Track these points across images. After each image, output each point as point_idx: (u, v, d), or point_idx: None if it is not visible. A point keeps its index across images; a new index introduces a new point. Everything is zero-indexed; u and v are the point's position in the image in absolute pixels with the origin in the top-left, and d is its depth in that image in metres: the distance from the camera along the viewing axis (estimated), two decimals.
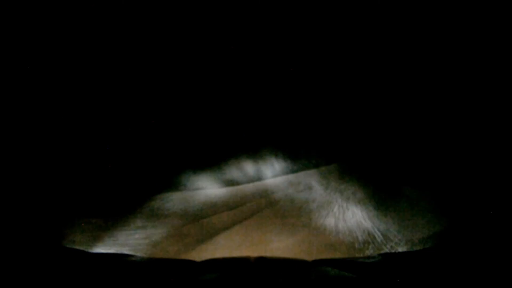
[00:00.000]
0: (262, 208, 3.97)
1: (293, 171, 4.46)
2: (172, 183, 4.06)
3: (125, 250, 3.16)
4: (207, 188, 4.16)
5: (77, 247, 3.04)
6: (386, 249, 3.30)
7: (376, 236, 3.49)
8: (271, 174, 4.37)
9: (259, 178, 4.33)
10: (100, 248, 3.14)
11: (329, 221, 3.73)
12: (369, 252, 3.31)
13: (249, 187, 4.25)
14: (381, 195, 4.04)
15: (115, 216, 3.60)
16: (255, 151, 4.40)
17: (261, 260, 2.18)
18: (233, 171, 4.29)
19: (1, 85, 3.67)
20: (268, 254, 3.18)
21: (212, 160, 4.23)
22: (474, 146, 3.93)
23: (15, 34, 3.92)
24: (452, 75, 4.35)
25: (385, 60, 4.59)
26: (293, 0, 4.39)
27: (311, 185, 4.28)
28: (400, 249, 3.24)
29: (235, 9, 4.39)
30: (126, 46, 4.36)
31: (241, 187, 4.25)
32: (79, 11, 4.11)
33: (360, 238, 3.49)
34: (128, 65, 4.35)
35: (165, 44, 4.45)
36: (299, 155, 4.54)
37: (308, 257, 2.46)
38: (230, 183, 4.21)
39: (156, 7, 4.34)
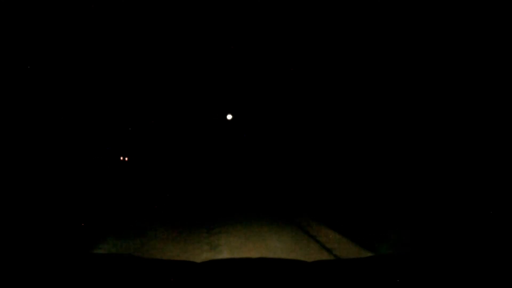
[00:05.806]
0: None
1: None
2: None
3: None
4: None
5: (77, 247, 3.04)
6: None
7: None
8: None
9: None
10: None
11: None
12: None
13: None
14: None
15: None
16: None
17: (261, 260, 2.18)
18: None
19: (2, 85, 3.67)
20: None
21: None
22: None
23: (15, 34, 3.93)
24: None
25: None
26: None
27: None
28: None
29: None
30: (126, 49, 4.36)
31: None
32: (79, 12, 4.12)
33: None
34: (128, 67, 4.35)
35: (165, 48, 4.45)
36: None
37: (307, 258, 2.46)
38: None
39: (156, 9, 4.36)
